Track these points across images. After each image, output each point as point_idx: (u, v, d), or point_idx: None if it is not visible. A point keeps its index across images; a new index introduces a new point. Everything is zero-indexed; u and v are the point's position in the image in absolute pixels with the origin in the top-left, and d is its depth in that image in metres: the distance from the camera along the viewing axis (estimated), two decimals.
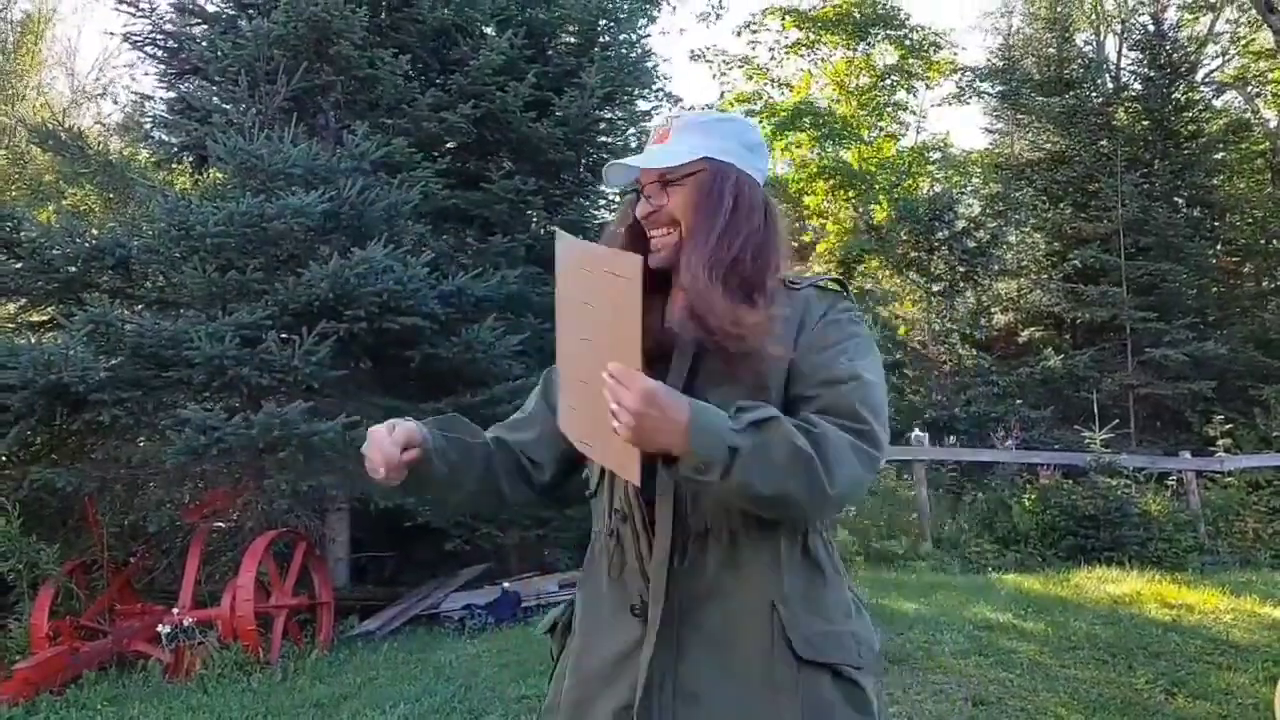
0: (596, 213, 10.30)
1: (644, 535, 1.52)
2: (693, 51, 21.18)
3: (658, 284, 1.57)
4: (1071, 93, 16.49)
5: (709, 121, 1.61)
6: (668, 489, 1.49)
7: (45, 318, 7.67)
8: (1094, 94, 16.87)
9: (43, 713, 4.96)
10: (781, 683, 1.45)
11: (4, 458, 7.05)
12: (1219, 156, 16.67)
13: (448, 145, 8.57)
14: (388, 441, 1.54)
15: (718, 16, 19.77)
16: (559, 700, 1.63)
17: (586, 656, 1.59)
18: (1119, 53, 17.79)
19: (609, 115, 9.69)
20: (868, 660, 1.53)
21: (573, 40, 9.69)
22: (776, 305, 1.52)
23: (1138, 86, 16.93)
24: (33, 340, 6.95)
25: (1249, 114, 18.06)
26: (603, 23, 9.77)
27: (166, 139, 8.55)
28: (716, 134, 1.59)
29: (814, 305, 1.56)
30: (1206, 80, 17.72)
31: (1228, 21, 18.45)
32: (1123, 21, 17.59)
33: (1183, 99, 16.40)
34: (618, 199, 10.83)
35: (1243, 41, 18.27)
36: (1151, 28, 16.73)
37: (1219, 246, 16.52)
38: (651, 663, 1.46)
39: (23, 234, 7.06)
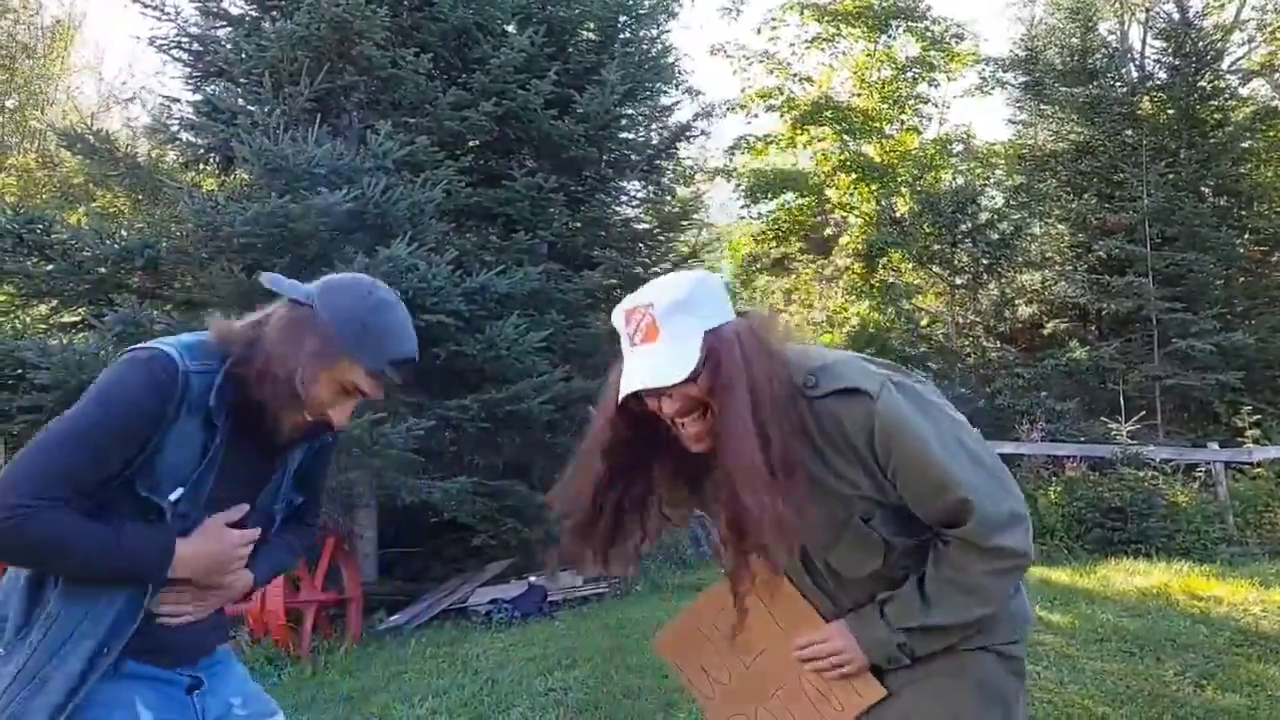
0: (618, 209, 10.33)
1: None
2: (713, 46, 21.15)
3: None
4: (1095, 82, 16.32)
5: (686, 298, 1.61)
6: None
7: (77, 318, 7.78)
8: (1118, 83, 16.68)
9: None
10: (953, 669, 1.70)
11: None
12: (1246, 145, 16.44)
13: (470, 143, 8.62)
14: None
15: (738, 12, 19.70)
16: None
17: None
18: (1143, 41, 17.55)
19: (630, 111, 9.71)
20: (1024, 631, 1.80)
21: (593, 37, 9.71)
22: (805, 430, 1.63)
23: (1162, 75, 16.74)
24: (64, 341, 7.05)
25: (1276, 101, 17.82)
26: (623, 19, 9.79)
27: (193, 141, 8.64)
28: (698, 304, 1.61)
29: (849, 423, 1.62)
30: (1233, 68, 17.46)
31: (1253, 8, 18.19)
32: (1147, 10, 17.37)
33: (1208, 87, 16.19)
34: (638, 200, 10.83)
35: (1270, 28, 18.02)
36: (1176, 16, 16.53)
37: (1246, 236, 16.30)
38: None
39: (54, 236, 7.16)
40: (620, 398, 1.61)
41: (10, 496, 1.57)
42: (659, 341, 1.59)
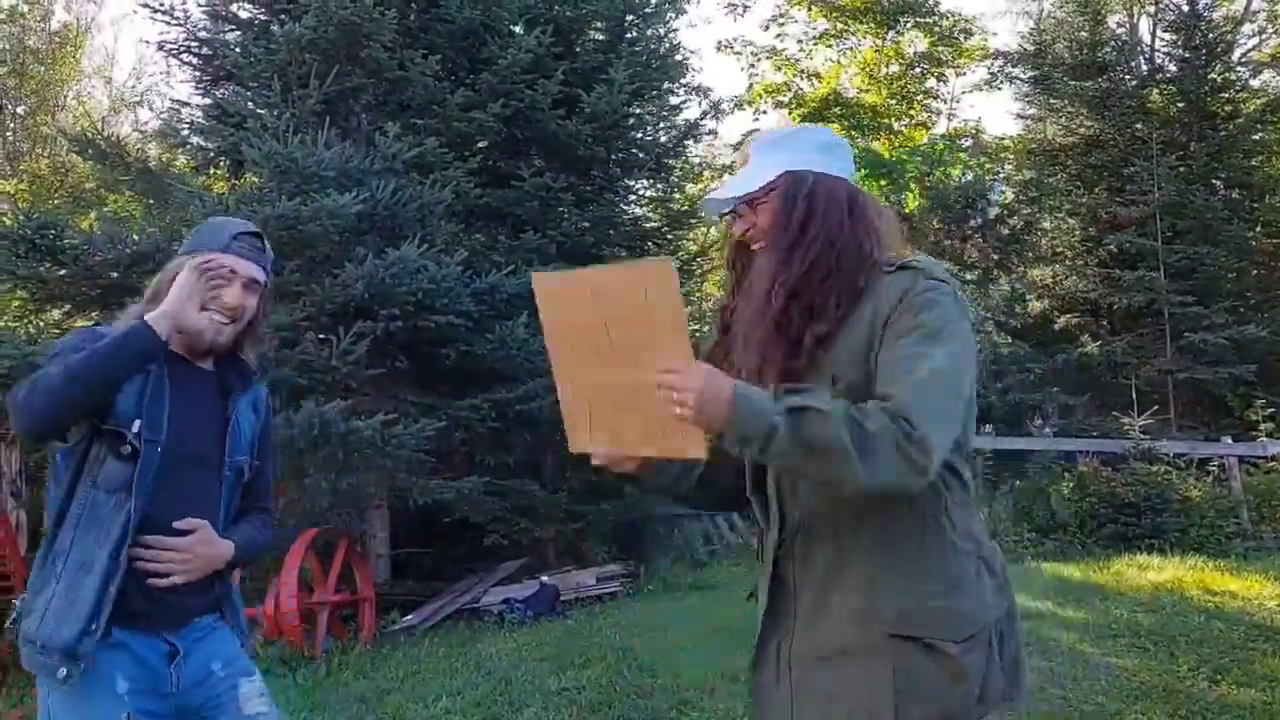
0: (626, 208, 10.33)
1: (764, 525, 1.76)
2: (720, 42, 21.14)
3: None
4: (1105, 76, 16.25)
5: (784, 136, 1.76)
6: (770, 486, 1.71)
7: (90, 322, 7.81)
8: (1128, 76, 16.61)
9: None
10: (872, 652, 1.59)
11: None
12: (1257, 137, 16.35)
13: (478, 144, 8.63)
14: None
15: (745, 8, 19.67)
16: None
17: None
18: (1153, 34, 17.48)
19: (638, 110, 9.72)
20: (970, 631, 1.60)
21: (601, 36, 9.72)
22: (864, 298, 1.62)
23: (1172, 68, 16.66)
24: None
25: None
26: (630, 18, 9.78)
27: (203, 144, 8.68)
28: (792, 146, 1.72)
29: (893, 289, 1.61)
30: (1243, 60, 17.36)
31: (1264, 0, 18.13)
32: (1156, 2, 17.28)
33: (1219, 79, 16.11)
34: (646, 199, 10.85)
35: None
36: (1186, 8, 16.44)
37: (1259, 228, 16.20)
38: (766, 636, 1.73)
39: (65, 241, 7.20)
40: (702, 209, 1.78)
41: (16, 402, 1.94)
42: (747, 167, 1.74)
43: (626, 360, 1.52)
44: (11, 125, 21.07)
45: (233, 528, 2.19)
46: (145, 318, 2.01)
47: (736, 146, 19.26)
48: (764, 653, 1.74)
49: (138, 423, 2.00)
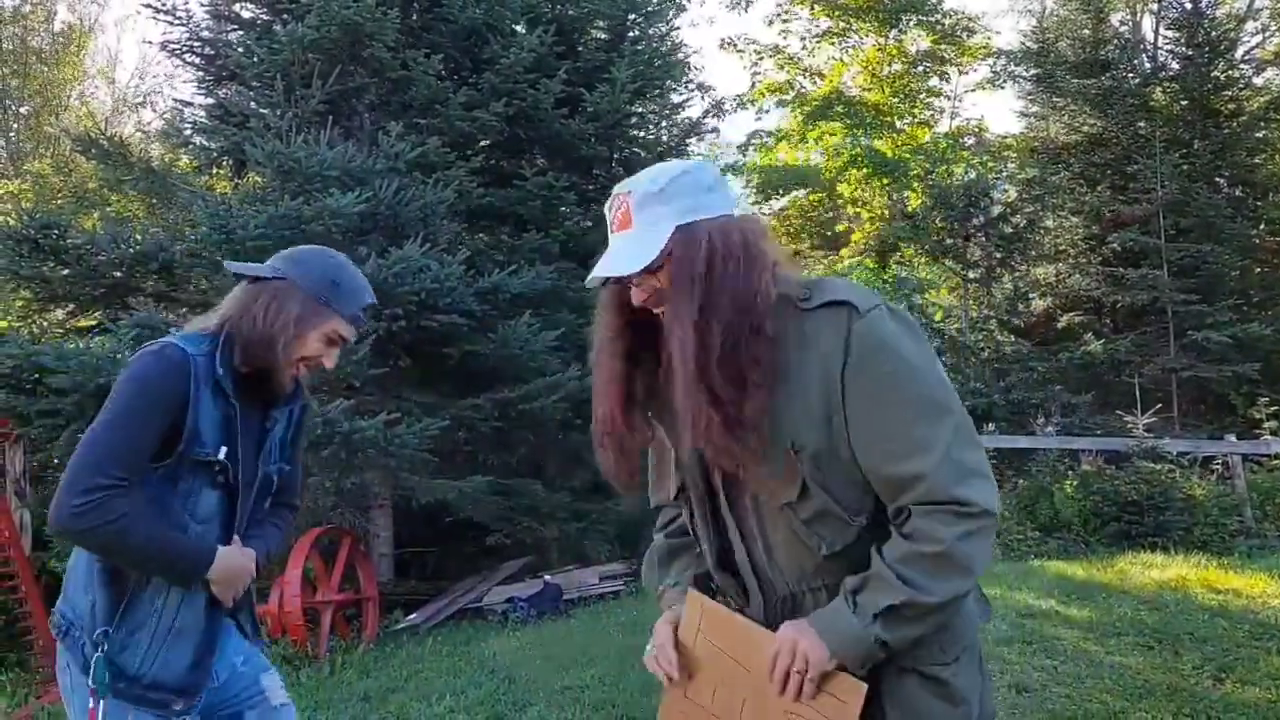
0: None
1: (740, 599, 1.68)
2: (723, 40, 21.12)
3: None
4: (1108, 74, 16.24)
5: (662, 188, 1.56)
6: (745, 565, 1.65)
7: (93, 322, 7.84)
8: (1131, 74, 16.59)
9: None
10: (885, 693, 1.55)
11: (57, 460, 7.22)
12: (1260, 135, 16.33)
13: (481, 144, 8.64)
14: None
15: (747, 5, 19.65)
16: None
17: None
18: (1156, 32, 17.46)
19: (640, 109, 9.72)
20: (956, 652, 1.59)
21: (603, 36, 9.72)
22: (787, 344, 1.52)
23: (1175, 66, 16.64)
24: (81, 344, 7.11)
25: None
26: (632, 17, 9.78)
27: (206, 144, 8.69)
28: (674, 195, 1.56)
29: (826, 334, 1.50)
30: (1246, 58, 17.35)
31: None
32: (1159, 0, 17.28)
33: (1222, 77, 16.09)
34: None
35: None
36: (1189, 6, 16.42)
37: (1262, 226, 16.18)
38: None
39: (69, 241, 7.22)
40: (590, 283, 1.63)
41: (79, 486, 1.82)
42: (631, 230, 1.57)
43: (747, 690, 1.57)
44: (15, 125, 21.11)
45: (257, 531, 2.18)
46: (211, 557, 1.99)
47: (737, 154, 19.28)
48: None
49: (224, 450, 2.00)
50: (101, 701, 1.92)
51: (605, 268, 1.58)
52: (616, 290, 1.65)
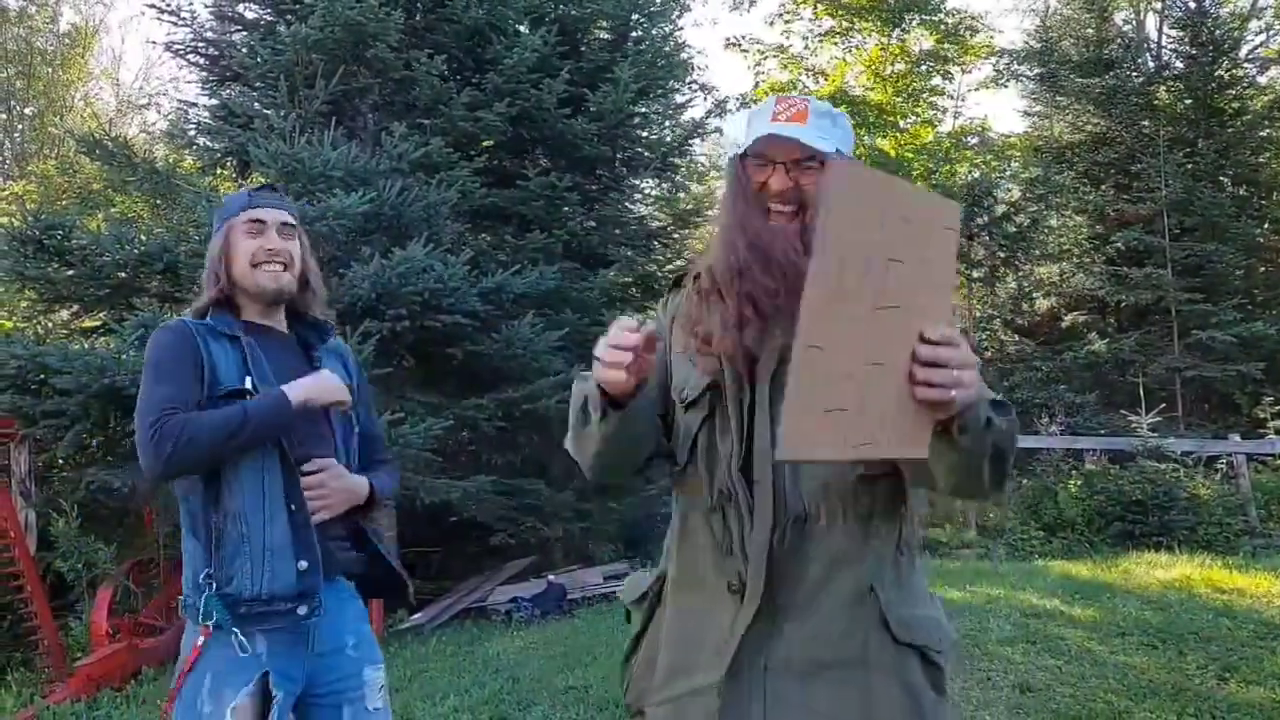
0: (632, 207, 10.34)
1: (746, 516, 1.54)
2: (727, 40, 21.16)
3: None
4: (1111, 73, 16.23)
5: (839, 115, 1.62)
6: (766, 473, 1.52)
7: (97, 323, 7.85)
8: (1134, 74, 16.58)
9: (104, 708, 5.09)
10: (878, 663, 1.50)
11: (62, 460, 7.24)
12: (1265, 134, 16.32)
13: (484, 144, 8.64)
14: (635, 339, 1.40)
15: (750, 4, 19.63)
16: (653, 667, 1.66)
17: (683, 627, 1.63)
18: (1159, 31, 17.45)
19: (643, 109, 9.72)
20: (946, 645, 1.59)
21: (606, 36, 9.72)
22: None
23: (1179, 65, 16.64)
24: (86, 345, 7.11)
25: None
26: (635, 17, 9.79)
27: (210, 145, 8.70)
28: (842, 128, 1.61)
29: None
30: (1250, 57, 17.32)
31: None
32: None
33: (1226, 76, 16.09)
34: (652, 198, 10.84)
35: None
36: (1192, 4, 16.41)
37: (1266, 225, 16.17)
38: (745, 638, 1.51)
39: (74, 242, 7.23)
40: (754, 139, 1.55)
41: (143, 435, 1.96)
42: (806, 126, 1.54)
43: (891, 311, 1.21)
44: (20, 126, 21.15)
45: (369, 471, 2.27)
46: (284, 392, 2.06)
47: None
48: (739, 660, 1.51)
49: (249, 379, 2.08)
50: (202, 637, 1.98)
51: (797, 134, 1.51)
52: (742, 169, 1.59)
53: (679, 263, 9.90)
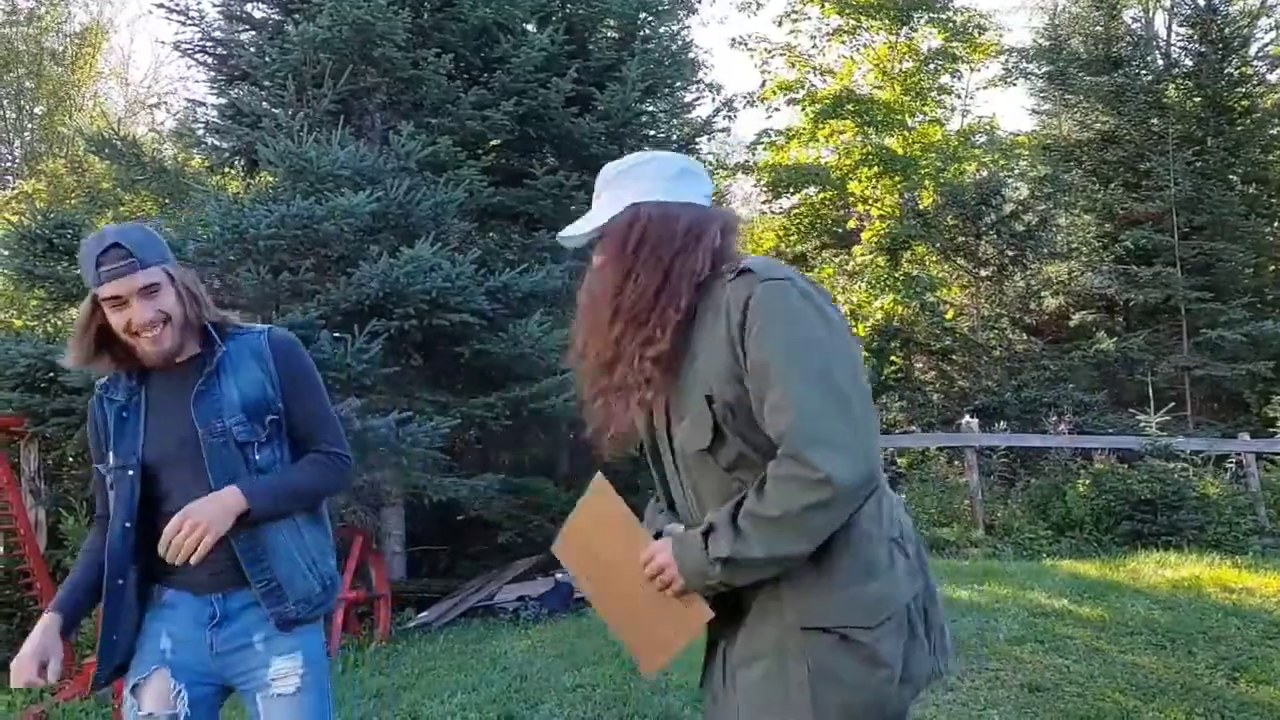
0: None
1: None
2: (734, 39, 21.09)
3: None
4: (1120, 71, 16.19)
5: (632, 168, 1.80)
6: (681, 508, 1.80)
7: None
8: (1143, 71, 16.53)
9: (111, 705, 5.11)
10: (789, 650, 1.61)
11: (71, 458, 7.26)
12: (1274, 132, 16.26)
13: (491, 143, 8.65)
14: None
15: (758, 5, 19.57)
16: None
17: None
18: (1168, 29, 17.39)
19: (651, 108, 9.72)
20: (881, 617, 1.61)
21: (613, 35, 9.72)
22: (705, 311, 1.68)
23: (1188, 63, 16.59)
24: None
25: None
26: (643, 16, 9.78)
27: (218, 144, 8.72)
28: (637, 179, 1.78)
29: (735, 299, 1.63)
30: (1260, 54, 17.25)
31: None
32: None
33: (1235, 74, 16.04)
34: None
35: None
36: (1202, 2, 16.35)
37: (1276, 224, 16.13)
38: (709, 640, 1.79)
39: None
40: (560, 242, 1.89)
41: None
42: (599, 201, 1.83)
43: (624, 571, 1.73)
44: (30, 126, 21.23)
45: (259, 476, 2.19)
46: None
47: (737, 161, 19.28)
48: (712, 655, 1.80)
49: (112, 456, 2.17)
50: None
51: (568, 230, 1.86)
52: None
53: None
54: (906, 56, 18.88)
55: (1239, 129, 15.76)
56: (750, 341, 1.58)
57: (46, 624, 2.12)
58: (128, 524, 2.12)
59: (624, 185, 1.78)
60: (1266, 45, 17.62)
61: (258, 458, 2.18)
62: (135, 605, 2.17)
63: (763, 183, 19.26)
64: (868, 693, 1.58)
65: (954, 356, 16.64)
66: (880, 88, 18.92)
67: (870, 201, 18.17)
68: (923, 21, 18.74)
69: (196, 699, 2.16)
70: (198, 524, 2.03)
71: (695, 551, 1.60)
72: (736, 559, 1.56)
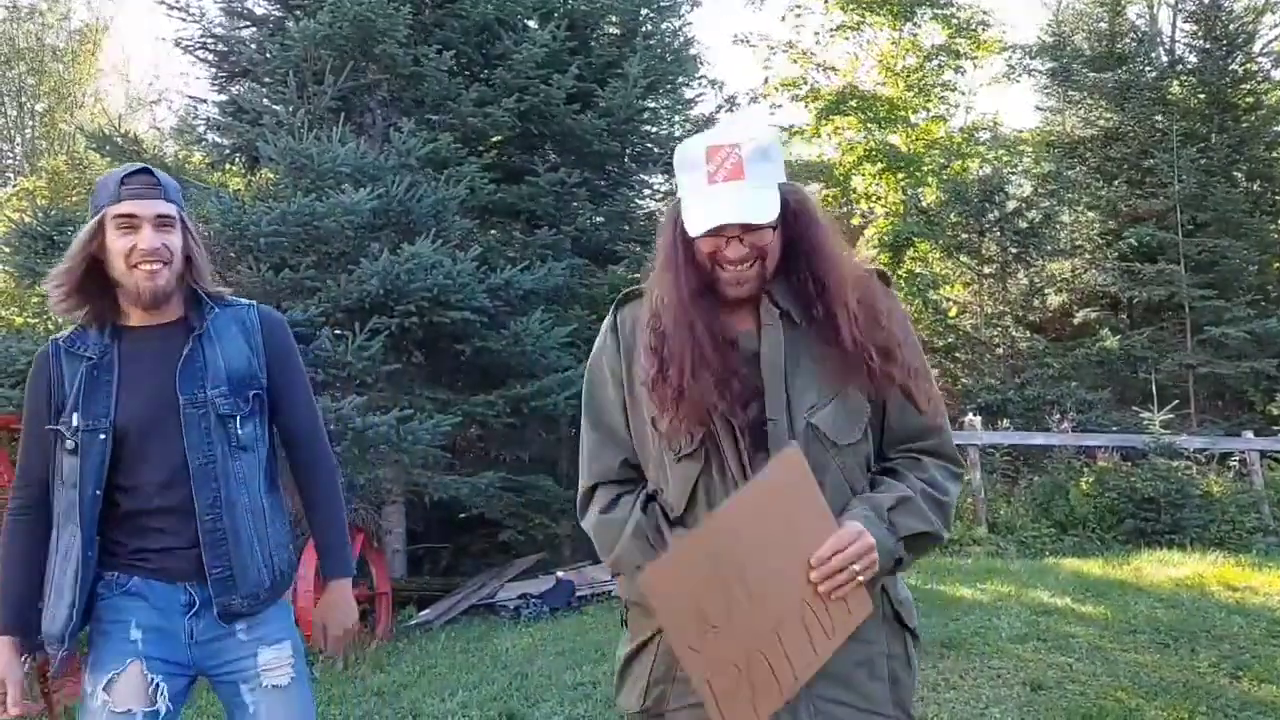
0: (641, 203, 10.32)
1: None
2: (736, 36, 21.03)
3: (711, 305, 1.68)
4: (1124, 67, 16.13)
5: (769, 147, 1.64)
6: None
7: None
8: (1148, 68, 16.47)
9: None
10: (887, 648, 1.67)
11: None
12: (1279, 129, 16.21)
13: (492, 140, 8.63)
14: None
15: (761, 1, 19.57)
16: (668, 671, 1.78)
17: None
18: (1173, 25, 17.31)
19: (652, 105, 9.70)
20: (914, 624, 1.76)
21: (615, 31, 9.71)
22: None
23: (1193, 59, 16.52)
24: None
25: None
26: (644, 12, 9.76)
27: (219, 141, 8.72)
28: (777, 157, 1.65)
29: (880, 295, 1.70)
30: (1265, 51, 17.17)
31: None
32: None
33: (1240, 70, 15.97)
34: (661, 194, 10.82)
35: None
36: None
37: None
38: None
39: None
40: (705, 230, 1.58)
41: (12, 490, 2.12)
42: (745, 181, 1.59)
43: (773, 585, 1.48)
44: (31, 123, 21.23)
45: (315, 539, 2.29)
46: None
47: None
48: None
49: (76, 416, 2.03)
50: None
51: (740, 214, 1.57)
52: (687, 247, 1.66)
53: None
54: (910, 53, 18.82)
55: (1243, 126, 15.70)
56: (899, 341, 1.67)
57: (2, 648, 2.04)
58: (97, 491, 2.01)
59: (769, 161, 1.63)
60: (1271, 42, 17.55)
61: (240, 432, 2.11)
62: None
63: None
64: (911, 686, 1.70)
65: (957, 354, 16.59)
66: (883, 84, 18.87)
67: (873, 198, 18.13)
68: (926, 18, 18.67)
69: (173, 691, 2.06)
70: (349, 630, 2.29)
71: (880, 530, 1.56)
72: (928, 535, 1.62)
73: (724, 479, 1.63)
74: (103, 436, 2.02)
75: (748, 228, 1.59)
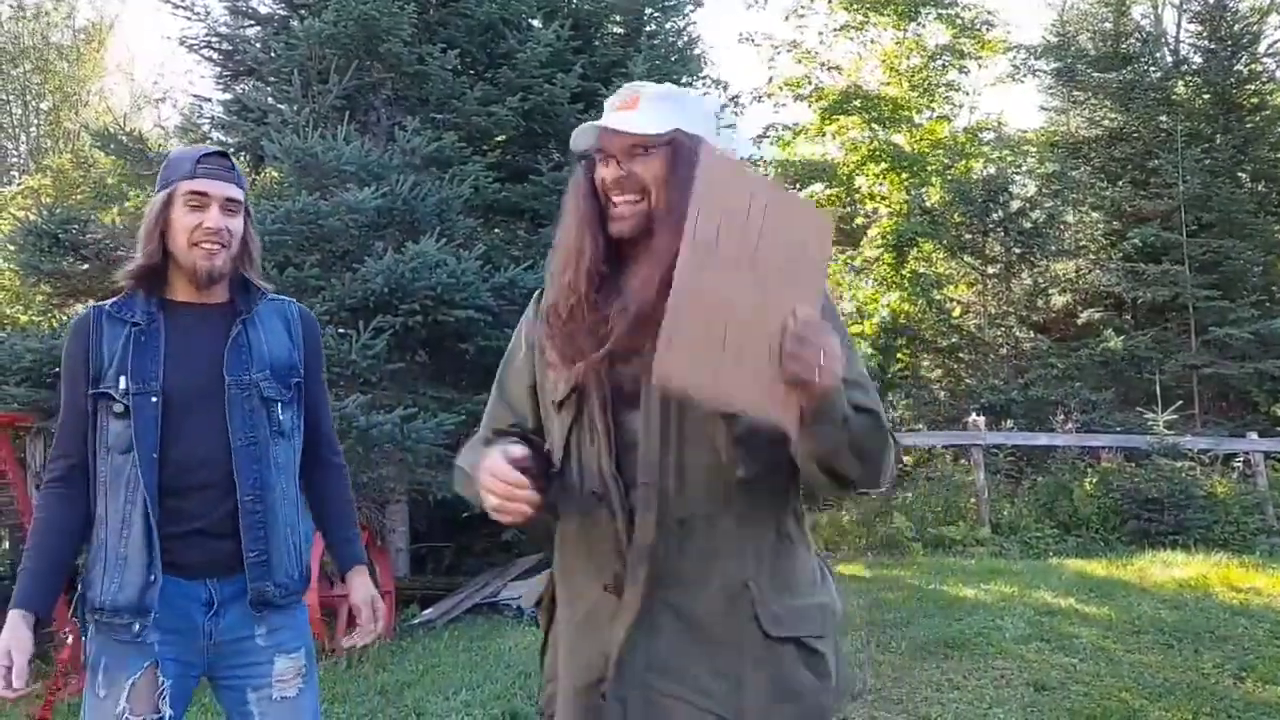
0: None
1: (621, 515, 1.54)
2: (741, 34, 21.00)
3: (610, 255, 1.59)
4: (1129, 68, 16.13)
5: (679, 96, 1.60)
6: (653, 476, 1.52)
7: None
8: (1152, 68, 16.47)
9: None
10: (749, 658, 1.51)
11: None
12: None
13: (497, 139, 8.63)
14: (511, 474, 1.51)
15: (765, 1, 19.56)
16: (555, 670, 1.72)
17: (570, 629, 1.66)
18: (1178, 25, 17.31)
19: None
20: (829, 626, 1.60)
21: (619, 30, 9.70)
22: None
23: (1198, 59, 16.51)
24: None
25: None
26: (649, 11, 9.76)
27: (224, 140, 8.72)
28: (688, 109, 1.57)
29: None
30: (1270, 51, 17.16)
31: None
32: None
33: (1245, 71, 15.96)
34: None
35: None
36: None
37: None
38: (626, 638, 1.52)
39: (89, 236, 7.27)
40: (578, 136, 1.56)
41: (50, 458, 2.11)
42: (636, 111, 1.55)
43: (762, 282, 1.29)
44: (36, 121, 21.27)
45: (331, 530, 2.37)
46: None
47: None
48: (621, 659, 1.52)
49: (123, 379, 2.02)
50: (84, 637, 2.05)
51: (614, 121, 1.53)
52: (588, 173, 1.60)
53: None
54: (914, 53, 18.81)
55: (1248, 126, 15.69)
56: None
57: (15, 622, 2.00)
58: (154, 454, 2.00)
59: (672, 107, 1.55)
60: (1276, 42, 17.53)
61: (282, 418, 2.14)
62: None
63: (769, 178, 19.23)
64: (817, 702, 1.55)
65: (961, 354, 16.59)
66: (887, 84, 18.86)
67: (877, 198, 18.12)
68: (930, 18, 18.66)
69: (180, 694, 2.04)
70: (379, 614, 2.36)
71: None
72: (872, 411, 1.44)
73: (592, 435, 1.56)
74: (155, 399, 2.02)
75: (628, 152, 1.53)
